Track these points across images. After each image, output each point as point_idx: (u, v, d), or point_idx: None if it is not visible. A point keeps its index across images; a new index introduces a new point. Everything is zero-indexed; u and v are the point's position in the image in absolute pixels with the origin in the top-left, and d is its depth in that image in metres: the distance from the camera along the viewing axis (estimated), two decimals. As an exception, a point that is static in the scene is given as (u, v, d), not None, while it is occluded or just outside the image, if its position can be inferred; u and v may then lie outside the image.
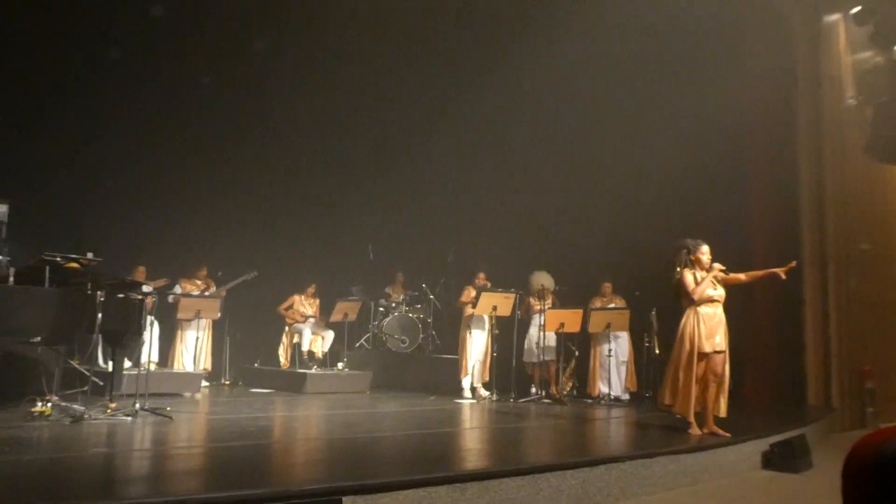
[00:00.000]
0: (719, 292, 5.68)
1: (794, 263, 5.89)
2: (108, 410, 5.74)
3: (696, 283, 5.64)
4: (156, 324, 8.03)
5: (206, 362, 8.89)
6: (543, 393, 8.33)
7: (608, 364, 8.27)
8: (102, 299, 5.57)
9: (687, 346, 5.57)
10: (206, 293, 8.90)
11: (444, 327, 10.19)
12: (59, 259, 5.37)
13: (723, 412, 5.63)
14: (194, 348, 8.64)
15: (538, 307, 8.42)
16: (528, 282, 8.66)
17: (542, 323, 8.19)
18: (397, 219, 11.06)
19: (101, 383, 6.41)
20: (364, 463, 4.54)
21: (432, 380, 9.18)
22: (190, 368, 8.53)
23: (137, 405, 5.85)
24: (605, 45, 8.89)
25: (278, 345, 9.56)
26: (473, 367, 8.53)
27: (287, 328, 9.54)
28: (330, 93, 10.25)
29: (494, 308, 8.28)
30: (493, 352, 8.50)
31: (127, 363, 7.40)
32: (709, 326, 5.57)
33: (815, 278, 8.42)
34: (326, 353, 9.51)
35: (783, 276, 5.70)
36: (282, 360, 9.49)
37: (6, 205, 7.35)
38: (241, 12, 9.29)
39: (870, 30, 8.48)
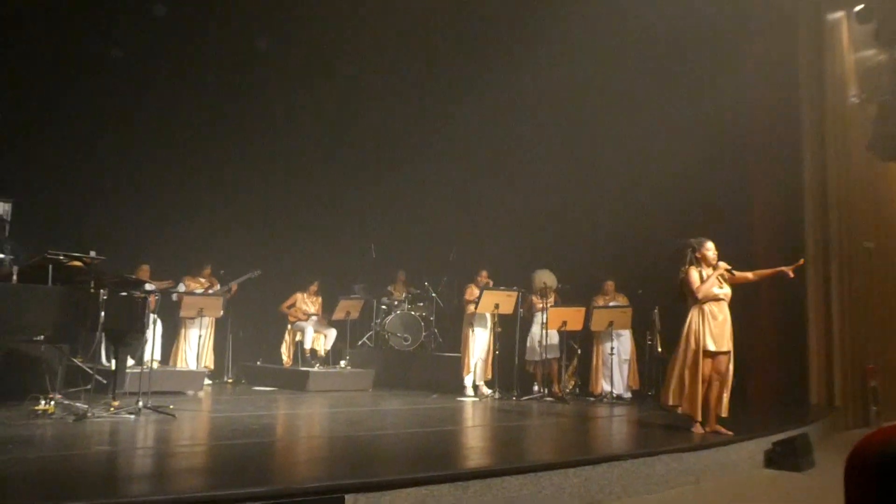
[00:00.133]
0: (725, 291, 5.66)
1: (802, 261, 5.87)
2: (112, 408, 5.76)
3: (702, 282, 5.62)
4: (158, 322, 8.05)
5: (208, 360, 8.91)
6: (546, 391, 8.33)
7: (610, 362, 8.27)
8: (105, 297, 5.58)
9: (692, 344, 5.55)
10: (210, 291, 8.91)
11: (447, 325, 10.20)
12: (62, 257, 5.38)
13: (724, 412, 5.62)
14: (197, 346, 8.66)
15: (540, 305, 8.42)
16: (531, 280, 8.66)
17: (545, 321, 8.19)
18: (399, 217, 11.07)
19: (105, 381, 6.43)
20: (366, 461, 4.55)
21: (434, 378, 9.18)
22: (193, 366, 8.55)
23: (140, 403, 5.86)
24: (608, 44, 8.88)
25: (281, 343, 9.58)
26: (476, 365, 8.54)
27: (289, 326, 9.55)
28: (332, 92, 10.27)
29: (496, 306, 8.29)
30: (495, 350, 8.50)
31: (130, 361, 7.41)
32: (714, 325, 5.55)
33: (818, 276, 8.40)
34: (329, 351, 9.52)
35: (791, 275, 5.68)
36: (284, 358, 9.51)
37: (9, 203, 7.38)
38: (244, 12, 9.29)
39: (873, 28, 8.46)
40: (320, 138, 10.88)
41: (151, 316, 7.12)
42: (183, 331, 8.75)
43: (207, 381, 8.62)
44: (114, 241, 7.79)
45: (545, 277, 8.55)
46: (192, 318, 8.49)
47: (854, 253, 8.56)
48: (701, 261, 5.72)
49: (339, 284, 10.27)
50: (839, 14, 8.90)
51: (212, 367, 9.00)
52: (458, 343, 8.87)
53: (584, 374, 8.76)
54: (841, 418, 8.06)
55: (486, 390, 8.53)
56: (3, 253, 6.68)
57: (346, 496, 3.29)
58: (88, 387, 5.95)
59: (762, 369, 8.15)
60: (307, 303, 9.57)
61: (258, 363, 9.76)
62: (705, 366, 5.54)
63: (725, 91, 8.34)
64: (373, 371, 9.32)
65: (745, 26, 8.50)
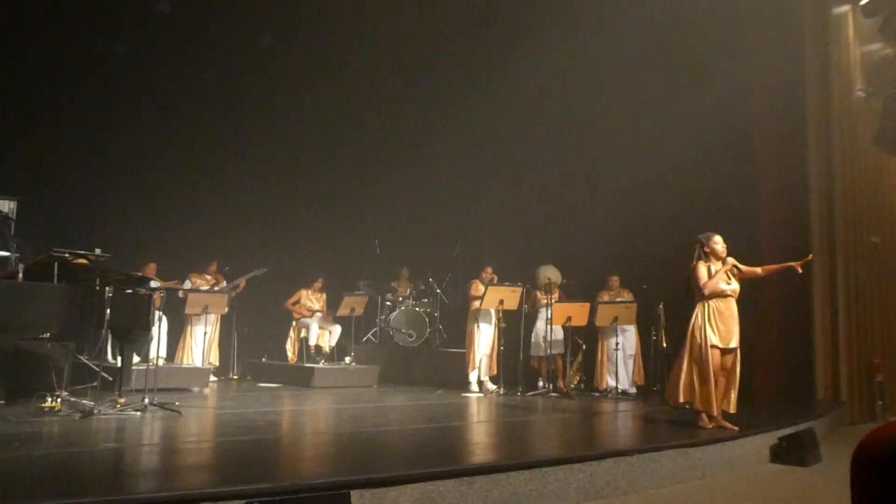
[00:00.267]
0: (733, 286, 5.61)
1: (810, 257, 5.83)
2: (118, 405, 5.78)
3: (709, 277, 5.60)
4: (164, 319, 8.08)
5: (213, 357, 8.93)
6: (551, 386, 8.33)
7: (615, 358, 8.27)
8: (110, 295, 5.59)
9: (699, 340, 5.52)
10: (216, 288, 8.93)
11: (451, 321, 10.20)
12: (67, 255, 5.40)
13: (732, 408, 5.60)
14: (202, 343, 8.68)
15: (545, 301, 8.41)
16: (535, 275, 8.66)
17: (549, 317, 8.18)
18: (404, 213, 11.07)
19: (111, 378, 6.46)
20: (371, 457, 4.55)
21: (439, 374, 9.20)
22: (198, 363, 8.57)
23: (146, 400, 5.88)
24: (613, 39, 8.85)
25: (286, 339, 9.60)
26: (480, 360, 8.54)
27: (294, 323, 9.57)
28: (336, 90, 10.27)
29: (501, 302, 8.29)
30: (499, 346, 8.50)
31: (135, 358, 7.44)
32: (720, 321, 5.52)
33: (823, 271, 8.37)
34: (333, 347, 9.54)
35: (799, 270, 5.65)
36: (289, 354, 9.53)
37: (15, 201, 7.40)
38: (249, 9, 9.30)
39: (879, 21, 8.41)
40: (325, 136, 10.89)
41: (157, 313, 7.14)
42: (189, 328, 8.78)
43: (213, 378, 8.65)
44: (119, 239, 7.82)
45: (549, 273, 8.55)
46: (198, 315, 8.51)
47: (860, 247, 8.53)
48: (709, 255, 5.69)
49: (343, 281, 10.28)
50: (845, 8, 8.85)
51: (217, 363, 9.02)
52: (462, 339, 8.88)
53: (589, 369, 8.77)
54: (847, 413, 8.04)
55: (491, 386, 8.54)
56: (8, 251, 6.70)
57: (352, 492, 3.29)
58: (94, 384, 5.98)
59: (768, 364, 8.13)
60: (312, 299, 9.58)
61: (263, 360, 9.79)
62: (714, 360, 5.51)
63: (731, 85, 8.30)
64: (377, 367, 9.34)
65: (750, 20, 8.46)
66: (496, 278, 8.62)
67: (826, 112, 8.65)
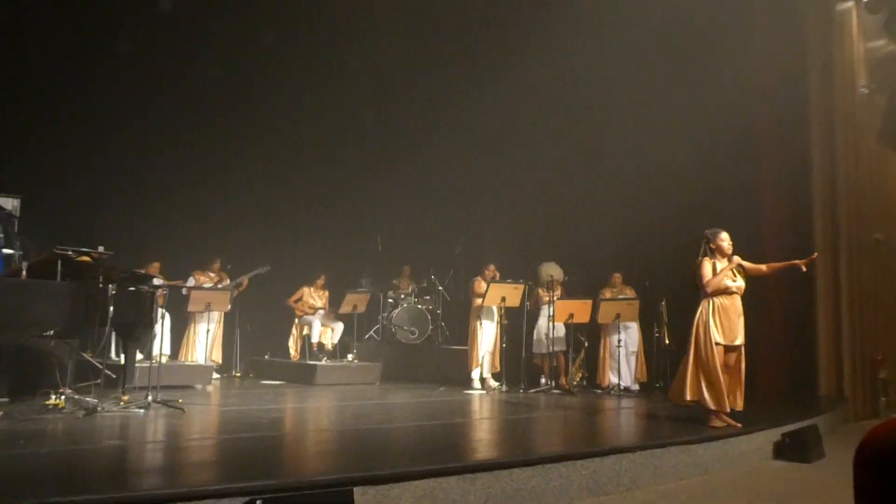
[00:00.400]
0: (738, 284, 5.58)
1: (815, 255, 5.81)
2: (121, 403, 5.79)
3: (714, 274, 5.58)
4: (167, 316, 8.09)
5: (216, 355, 8.95)
6: (553, 383, 8.34)
7: (618, 354, 8.27)
8: (114, 292, 5.60)
9: (703, 337, 5.49)
10: (220, 286, 8.94)
11: (453, 318, 10.21)
12: (70, 253, 5.41)
13: (739, 405, 5.58)
14: (205, 340, 8.70)
15: (547, 298, 8.41)
16: (538, 272, 8.66)
17: (552, 314, 8.18)
18: (406, 211, 11.08)
19: (114, 376, 6.47)
20: (374, 454, 4.56)
21: (442, 371, 9.20)
22: (202, 361, 8.59)
23: (150, 397, 5.90)
24: (614, 36, 8.83)
25: (288, 337, 9.60)
26: (483, 358, 8.55)
27: (297, 320, 9.58)
28: (339, 88, 10.26)
29: (503, 299, 8.29)
30: (502, 343, 8.51)
31: (139, 356, 7.45)
32: (724, 319, 5.50)
33: (827, 268, 8.36)
34: (336, 344, 9.55)
35: (804, 269, 5.64)
36: (292, 351, 9.54)
37: (18, 199, 7.42)
38: (251, 9, 9.30)
39: (883, 17, 8.38)
40: (327, 135, 10.88)
41: (160, 310, 7.15)
42: (192, 325, 8.79)
43: (216, 375, 8.66)
44: (122, 237, 7.83)
45: (552, 270, 8.55)
46: (201, 313, 8.52)
47: (863, 244, 8.51)
48: (715, 252, 5.66)
49: (345, 278, 10.29)
50: (849, 4, 8.83)
51: (220, 361, 9.04)
52: (464, 336, 8.88)
53: (592, 366, 8.77)
54: (850, 409, 8.04)
55: (494, 383, 8.54)
56: (12, 249, 6.71)
57: (355, 489, 3.30)
58: (98, 381, 5.99)
59: (771, 361, 8.12)
60: (314, 297, 9.59)
61: (266, 357, 9.80)
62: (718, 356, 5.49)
63: (734, 81, 8.29)
64: (380, 364, 9.35)
65: (753, 17, 8.44)
66: (498, 275, 8.62)
67: (829, 109, 8.63)
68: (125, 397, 5.89)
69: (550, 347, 8.36)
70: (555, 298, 8.26)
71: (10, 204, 7.28)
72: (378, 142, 11.37)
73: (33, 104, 8.61)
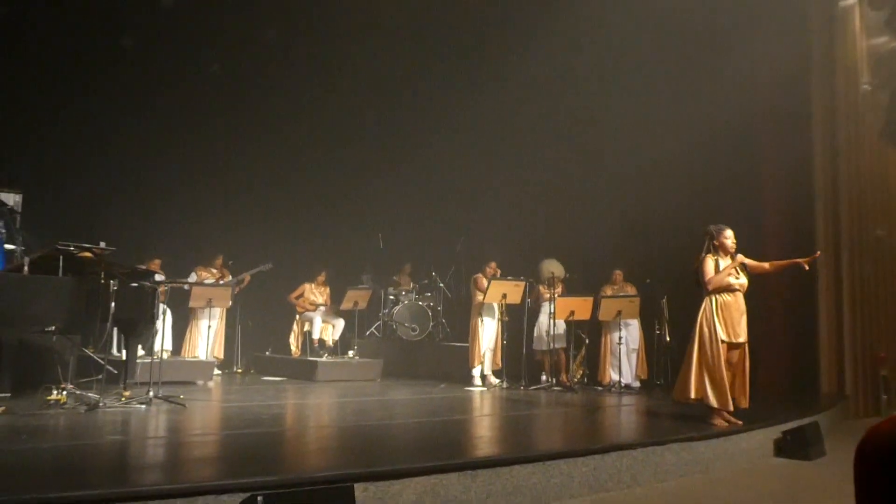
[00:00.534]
0: (741, 281, 5.55)
1: (818, 254, 5.78)
2: (123, 398, 5.81)
3: (717, 271, 5.55)
4: (168, 312, 8.10)
5: (219, 351, 8.96)
6: (554, 380, 8.34)
7: (619, 352, 8.27)
8: (115, 288, 5.61)
9: (707, 334, 5.47)
10: (222, 282, 8.95)
11: (454, 315, 10.22)
12: (72, 248, 5.41)
13: (744, 403, 5.53)
14: (207, 336, 8.70)
15: (548, 295, 8.41)
16: (538, 270, 8.66)
17: (552, 311, 8.18)
18: (407, 207, 11.07)
19: (116, 372, 6.47)
20: (375, 450, 4.57)
21: (442, 367, 9.21)
22: (203, 356, 8.60)
23: (151, 393, 5.91)
24: (616, 32, 8.82)
25: (289, 333, 9.61)
26: (484, 354, 8.56)
27: (298, 316, 9.59)
28: (340, 85, 10.27)
29: (504, 296, 8.29)
30: (503, 339, 8.51)
31: (140, 351, 7.46)
32: (727, 316, 5.48)
33: (829, 265, 8.35)
34: (337, 341, 9.56)
35: (806, 267, 5.63)
36: (293, 348, 9.55)
37: (20, 195, 7.42)
38: (254, 5, 9.30)
39: (885, 14, 8.36)
40: (328, 132, 10.88)
41: (161, 306, 7.16)
42: (195, 321, 8.80)
43: (217, 372, 8.67)
44: (124, 233, 7.82)
45: (552, 267, 8.55)
46: (202, 309, 8.53)
47: (865, 241, 8.50)
48: (718, 249, 5.64)
49: (346, 275, 10.29)
50: (851, 1, 8.80)
51: (222, 357, 9.05)
52: (465, 333, 8.88)
53: (593, 363, 8.77)
54: (851, 407, 8.04)
55: (494, 380, 8.55)
56: (14, 244, 6.72)
57: (356, 485, 3.30)
58: (100, 377, 6.00)
59: (772, 358, 8.11)
60: (315, 293, 9.59)
61: (267, 353, 9.81)
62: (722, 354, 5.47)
63: (735, 78, 8.27)
64: (381, 361, 9.36)
65: (755, 13, 8.42)
66: (499, 273, 8.62)
67: (832, 105, 8.62)
68: (126, 393, 5.90)
69: (551, 344, 8.36)
70: (556, 295, 8.26)
71: (12, 199, 7.28)
72: (379, 139, 11.36)
73: (35, 100, 8.60)
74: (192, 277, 8.84)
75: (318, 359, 9.01)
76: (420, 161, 10.70)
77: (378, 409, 6.75)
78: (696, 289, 5.73)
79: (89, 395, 5.59)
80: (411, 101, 10.92)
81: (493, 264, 8.71)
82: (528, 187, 10.31)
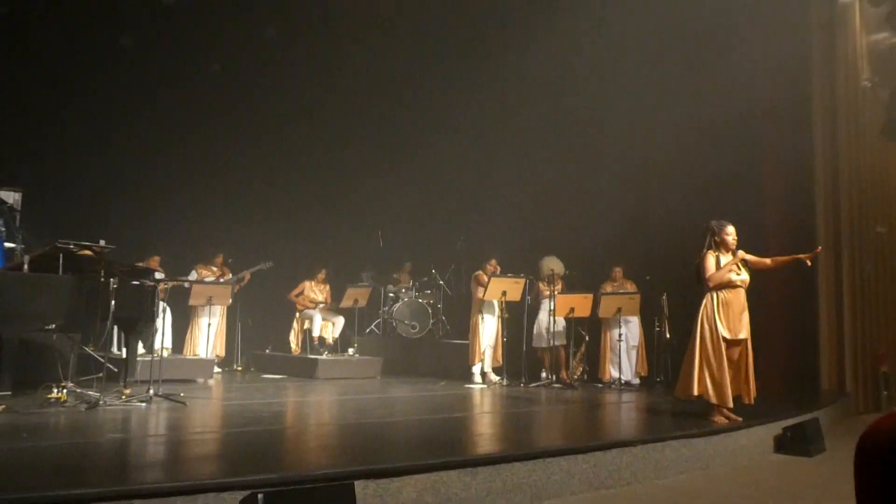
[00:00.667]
0: (743, 277, 5.53)
1: (819, 249, 5.77)
2: (123, 396, 5.81)
3: (717, 268, 5.55)
4: (168, 310, 8.10)
5: (220, 349, 8.96)
6: (554, 377, 8.35)
7: (619, 349, 8.27)
8: (115, 286, 5.61)
9: (708, 331, 5.47)
10: (222, 280, 8.95)
11: (454, 313, 10.22)
12: (72, 246, 5.41)
13: (749, 399, 5.52)
14: (207, 334, 8.71)
15: (547, 292, 8.42)
16: (538, 267, 8.66)
17: (552, 308, 8.19)
18: (407, 205, 11.06)
19: (116, 370, 6.47)
20: (375, 448, 4.57)
21: (442, 365, 9.22)
22: (203, 354, 8.60)
23: (151, 391, 5.91)
24: (616, 28, 8.81)
25: (289, 331, 9.62)
26: (485, 352, 8.56)
27: (298, 314, 9.59)
28: (341, 84, 10.25)
29: (504, 293, 8.29)
30: (503, 337, 8.51)
31: (140, 349, 7.46)
32: (728, 312, 5.48)
33: (829, 261, 8.35)
34: (337, 338, 9.56)
35: (808, 263, 5.61)
36: (293, 345, 9.56)
37: (20, 193, 7.42)
38: (252, 6, 9.29)
39: (886, 11, 8.34)
40: (329, 129, 10.88)
41: (161, 304, 7.16)
42: (194, 319, 8.80)
43: (217, 369, 8.68)
44: (124, 231, 7.83)
45: (552, 264, 8.54)
46: (203, 307, 8.54)
47: (865, 237, 8.50)
48: (720, 245, 5.63)
49: (346, 272, 10.30)
50: (851, -4, 8.79)
51: (223, 354, 9.06)
52: (465, 330, 8.89)
53: (593, 360, 8.77)
54: (851, 403, 8.04)
55: (494, 377, 8.55)
56: (14, 242, 6.72)
57: (356, 483, 3.31)
58: (100, 375, 6.00)
59: (772, 354, 8.11)
60: (315, 291, 9.60)
61: (267, 351, 9.82)
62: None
63: (736, 75, 8.25)
64: (381, 359, 9.36)
65: (756, 9, 8.40)
66: (499, 270, 8.62)
67: (832, 102, 8.61)
68: (127, 391, 5.90)
69: (551, 341, 8.36)
70: (556, 292, 8.26)
71: (12, 198, 7.27)
72: (379, 139, 11.35)
73: (35, 99, 8.60)
74: (193, 275, 8.84)
75: (318, 356, 9.02)
76: (420, 160, 10.69)
77: (378, 406, 6.76)
78: (696, 285, 5.72)
79: (89, 393, 5.59)
80: (411, 101, 10.91)
81: (493, 261, 8.71)
82: (528, 185, 10.30)
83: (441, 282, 10.36)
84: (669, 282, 8.05)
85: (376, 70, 10.41)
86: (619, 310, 8.13)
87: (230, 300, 8.72)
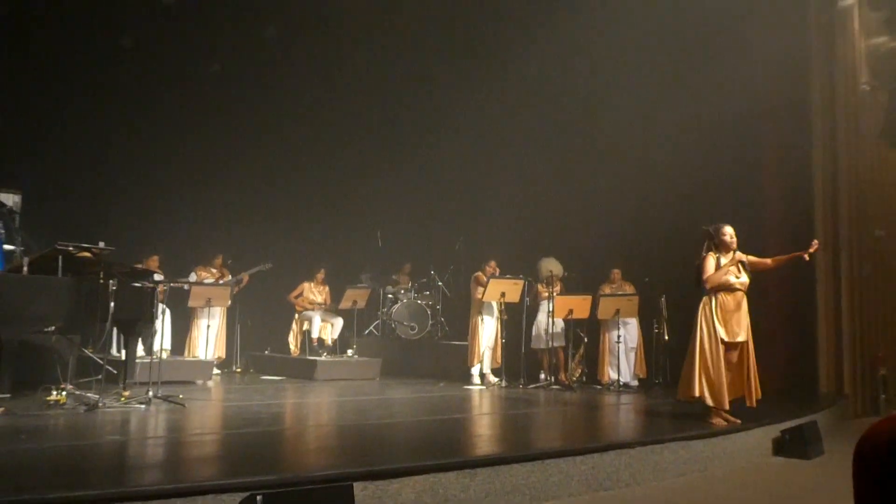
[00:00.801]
0: (742, 279, 5.53)
1: (815, 242, 5.78)
2: (122, 398, 5.81)
3: (716, 270, 5.54)
4: (167, 312, 8.09)
5: (219, 350, 8.95)
6: (552, 379, 8.35)
7: (617, 350, 8.27)
8: (115, 288, 5.61)
9: (707, 333, 5.48)
10: (221, 281, 8.95)
11: (453, 314, 10.22)
12: (71, 248, 5.41)
13: (752, 402, 5.53)
14: (206, 336, 8.70)
15: (546, 294, 8.42)
16: (537, 268, 8.66)
17: (551, 309, 8.19)
18: (406, 206, 11.07)
19: (115, 371, 6.47)
20: (374, 449, 4.57)
21: (441, 366, 9.22)
22: (202, 356, 8.60)
23: (150, 393, 5.91)
24: (615, 29, 8.81)
25: (288, 332, 9.61)
26: (484, 353, 8.56)
27: (297, 315, 9.59)
28: (340, 82, 10.26)
29: (503, 294, 8.29)
30: (502, 338, 8.52)
31: (139, 351, 7.46)
32: (726, 315, 5.48)
33: (827, 264, 8.36)
34: (336, 340, 9.56)
35: (807, 257, 5.62)
36: (292, 347, 9.55)
37: (19, 195, 7.41)
38: (253, 6, 9.29)
39: (885, 14, 8.36)
40: (327, 130, 10.88)
41: (160, 306, 7.15)
42: (196, 321, 8.80)
43: (216, 371, 8.67)
44: (123, 233, 7.82)
45: (551, 266, 8.56)
46: (202, 308, 8.53)
47: (864, 241, 8.51)
48: (719, 247, 5.64)
49: (345, 274, 10.29)
50: (850, 1, 8.80)
51: (223, 356, 9.05)
52: (464, 332, 8.89)
53: (591, 362, 8.77)
54: (850, 406, 8.04)
55: (493, 378, 8.56)
56: (13, 244, 6.71)
57: (355, 484, 3.31)
58: (99, 377, 6.00)
59: (771, 357, 8.09)
60: (314, 292, 9.60)
61: (266, 353, 9.81)
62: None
63: (735, 77, 8.26)
64: (380, 360, 9.36)
65: (755, 12, 8.42)
66: (498, 271, 8.62)
67: (831, 105, 8.62)
68: (126, 393, 5.90)
69: (550, 343, 8.37)
70: (554, 294, 8.27)
71: (11, 200, 7.26)
72: (379, 137, 11.36)
73: (35, 100, 8.60)
74: (192, 277, 8.84)
75: (317, 358, 9.02)
76: (420, 160, 10.69)
77: (377, 407, 6.76)
78: (695, 287, 5.73)
79: (89, 395, 5.59)
80: (411, 101, 10.91)
81: (492, 263, 8.71)
82: (528, 186, 10.30)
83: (440, 283, 10.36)
84: (668, 283, 8.06)
85: (376, 70, 10.42)
86: (617, 311, 8.13)
87: (229, 302, 8.72)
